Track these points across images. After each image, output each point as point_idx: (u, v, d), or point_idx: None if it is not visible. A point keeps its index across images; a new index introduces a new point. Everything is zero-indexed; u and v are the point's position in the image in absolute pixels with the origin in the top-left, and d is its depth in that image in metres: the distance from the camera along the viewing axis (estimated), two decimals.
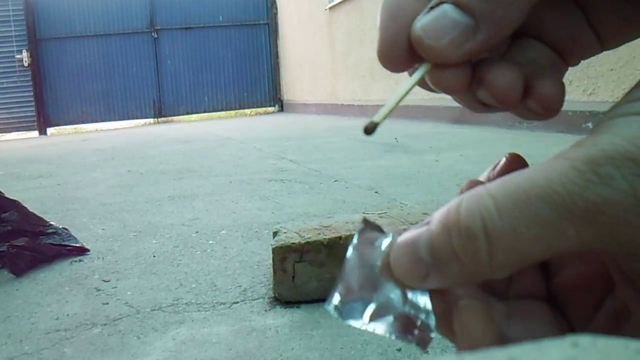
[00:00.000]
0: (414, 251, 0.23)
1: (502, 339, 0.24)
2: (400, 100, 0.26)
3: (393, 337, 0.25)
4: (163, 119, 13.19)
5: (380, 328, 0.25)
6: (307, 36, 12.25)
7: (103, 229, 3.44)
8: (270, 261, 2.24)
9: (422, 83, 0.26)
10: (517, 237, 0.21)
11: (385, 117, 0.26)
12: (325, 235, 2.18)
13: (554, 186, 0.21)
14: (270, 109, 13.86)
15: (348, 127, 8.28)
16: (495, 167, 0.28)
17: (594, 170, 0.20)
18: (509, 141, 5.51)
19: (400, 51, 0.25)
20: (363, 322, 0.25)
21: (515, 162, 0.27)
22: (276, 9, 13.63)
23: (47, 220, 3.10)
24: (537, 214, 0.21)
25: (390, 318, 0.25)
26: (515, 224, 0.21)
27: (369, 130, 0.26)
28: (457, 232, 0.22)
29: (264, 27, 13.62)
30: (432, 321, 0.25)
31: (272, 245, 2.23)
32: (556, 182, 0.21)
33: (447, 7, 0.23)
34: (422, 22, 0.24)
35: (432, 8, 0.24)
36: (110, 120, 12.90)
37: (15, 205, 3.02)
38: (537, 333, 0.23)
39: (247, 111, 13.72)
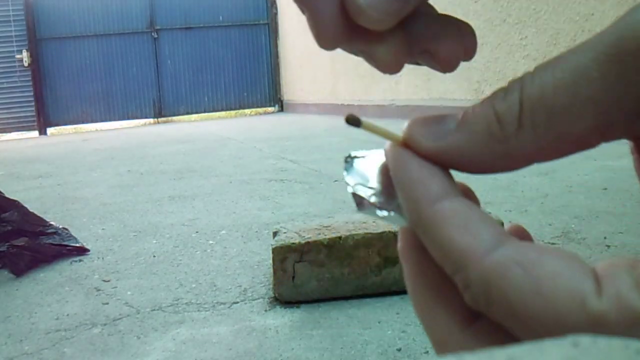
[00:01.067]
0: (439, 118, 0.24)
1: None
2: (385, 136, 0.26)
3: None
4: (163, 119, 13.19)
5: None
6: (307, 36, 12.20)
7: (103, 229, 3.44)
8: (270, 261, 2.24)
9: (367, 58, 0.28)
10: (544, 86, 0.21)
11: (368, 128, 0.26)
12: (325, 235, 2.18)
13: (585, 43, 0.21)
14: (270, 109, 13.85)
15: (348, 127, 8.27)
16: None
17: (623, 18, 0.21)
18: None
19: (338, 27, 0.26)
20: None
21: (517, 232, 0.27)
22: (276, 9, 13.63)
23: (47, 220, 3.10)
24: (565, 63, 0.21)
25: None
26: (543, 76, 0.21)
27: (350, 121, 0.27)
28: (501, 95, 0.22)
29: (264, 27, 13.62)
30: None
31: (272, 245, 2.23)
32: (588, 41, 0.21)
33: None
34: None
35: None
36: (110, 120, 12.89)
37: (15, 205, 3.02)
38: None
39: (247, 111, 13.72)
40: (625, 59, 0.20)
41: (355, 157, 0.27)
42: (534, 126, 0.21)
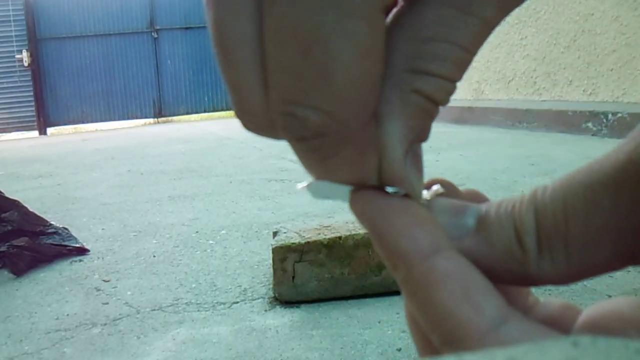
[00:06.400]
0: (459, 207, 0.22)
1: None
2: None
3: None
4: (163, 118, 13.19)
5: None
6: None
7: (103, 229, 3.44)
8: (270, 261, 2.24)
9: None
10: (557, 216, 0.20)
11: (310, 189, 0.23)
12: (325, 235, 2.18)
13: (594, 165, 0.19)
14: None
15: None
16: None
17: (629, 141, 0.19)
18: (509, 141, 5.51)
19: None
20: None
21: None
22: None
23: (47, 220, 3.10)
24: (576, 188, 0.19)
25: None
26: (555, 203, 0.20)
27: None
28: (518, 211, 0.21)
29: None
30: None
31: (272, 245, 2.23)
32: (597, 162, 0.19)
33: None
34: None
35: None
36: (110, 120, 12.89)
37: (15, 205, 3.02)
38: None
39: None
40: (636, 185, 0.18)
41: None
42: (552, 256, 0.20)
